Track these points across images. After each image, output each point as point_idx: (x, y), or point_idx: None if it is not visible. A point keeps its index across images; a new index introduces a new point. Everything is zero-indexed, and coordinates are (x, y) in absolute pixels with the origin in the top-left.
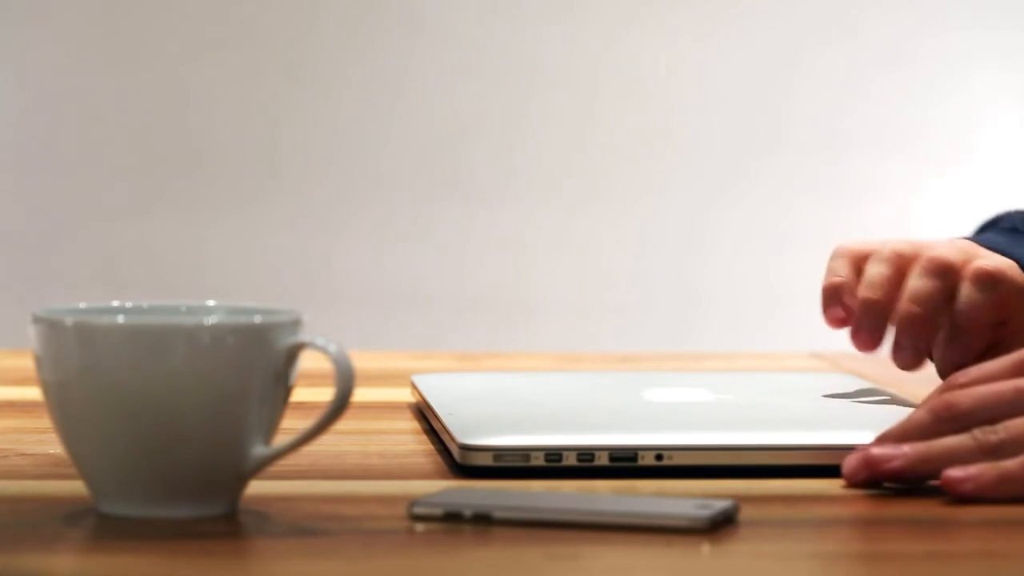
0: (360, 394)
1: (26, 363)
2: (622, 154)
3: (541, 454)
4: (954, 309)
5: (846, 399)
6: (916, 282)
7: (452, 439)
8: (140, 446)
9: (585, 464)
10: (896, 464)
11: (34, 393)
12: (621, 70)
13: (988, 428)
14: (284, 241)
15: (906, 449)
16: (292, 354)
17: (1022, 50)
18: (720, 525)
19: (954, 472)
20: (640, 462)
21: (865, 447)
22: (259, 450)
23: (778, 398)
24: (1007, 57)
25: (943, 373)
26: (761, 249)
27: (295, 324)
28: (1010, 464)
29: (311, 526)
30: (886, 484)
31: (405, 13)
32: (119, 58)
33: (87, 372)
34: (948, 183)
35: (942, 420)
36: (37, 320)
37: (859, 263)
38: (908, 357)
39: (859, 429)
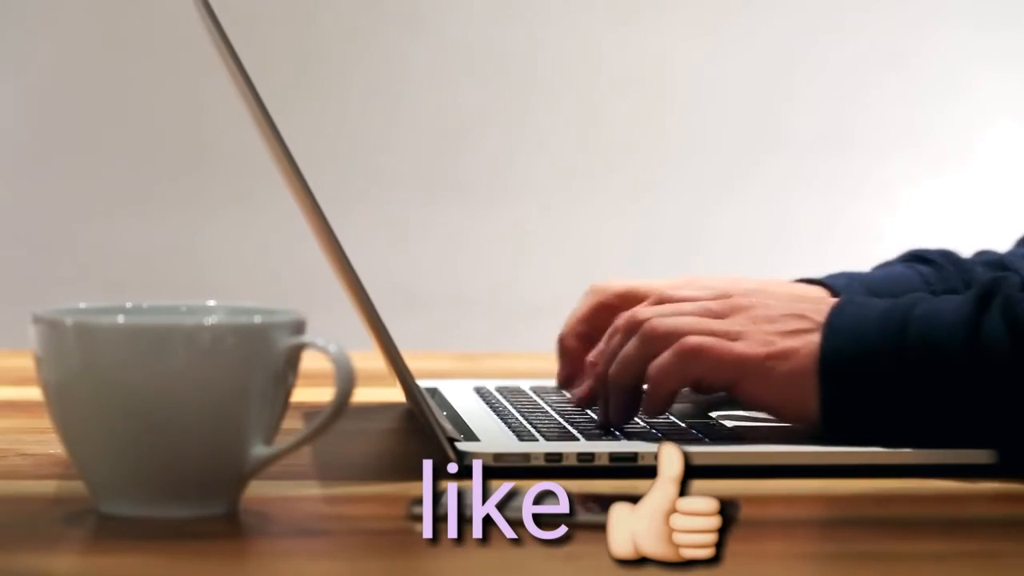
0: (360, 394)
1: (26, 363)
2: (621, 153)
3: (541, 454)
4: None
5: None
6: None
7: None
8: (140, 446)
9: (585, 464)
10: (585, 393)
11: (34, 393)
12: (620, 69)
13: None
14: (285, 241)
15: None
16: (292, 354)
17: None
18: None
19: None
20: (640, 462)
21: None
22: (259, 450)
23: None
24: (1010, 58)
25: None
26: (760, 249)
27: (295, 324)
28: (625, 349)
29: (311, 526)
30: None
31: (405, 13)
32: (118, 58)
33: (87, 372)
34: (949, 183)
35: (623, 331)
36: (37, 320)
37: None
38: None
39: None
